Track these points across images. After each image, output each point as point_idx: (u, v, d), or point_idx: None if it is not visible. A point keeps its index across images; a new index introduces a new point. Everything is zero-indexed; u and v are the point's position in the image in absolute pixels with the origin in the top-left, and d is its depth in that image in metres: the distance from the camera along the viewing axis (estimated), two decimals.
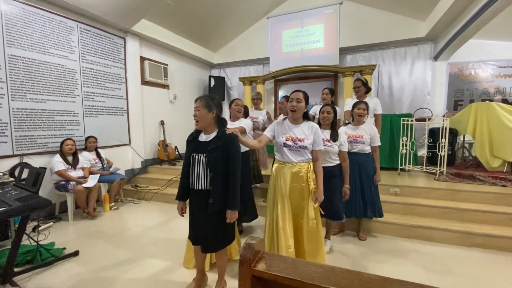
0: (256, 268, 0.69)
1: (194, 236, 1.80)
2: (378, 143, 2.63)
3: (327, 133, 2.36)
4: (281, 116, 3.31)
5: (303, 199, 1.99)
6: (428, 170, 3.93)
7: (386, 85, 5.66)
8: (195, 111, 1.72)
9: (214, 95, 1.79)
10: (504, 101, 5.04)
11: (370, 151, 2.67)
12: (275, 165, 2.11)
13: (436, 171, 3.73)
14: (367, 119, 3.13)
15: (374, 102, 3.26)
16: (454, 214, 2.91)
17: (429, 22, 4.78)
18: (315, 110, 3.90)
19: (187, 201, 1.86)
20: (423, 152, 4.50)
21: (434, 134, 4.20)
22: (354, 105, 2.67)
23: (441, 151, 3.71)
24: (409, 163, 4.06)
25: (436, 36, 5.06)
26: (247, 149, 2.77)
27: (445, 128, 3.69)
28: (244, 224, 3.06)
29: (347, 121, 2.87)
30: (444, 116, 4.24)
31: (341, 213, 2.41)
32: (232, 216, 1.69)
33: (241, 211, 1.85)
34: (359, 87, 3.24)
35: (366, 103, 2.65)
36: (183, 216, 1.87)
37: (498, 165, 3.84)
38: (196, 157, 1.70)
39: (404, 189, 3.35)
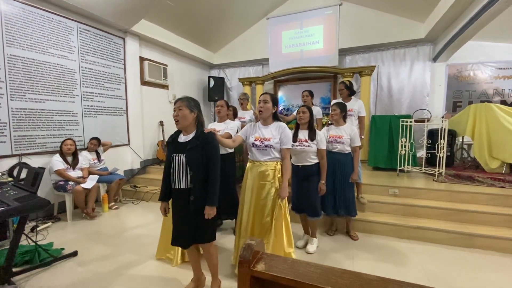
0: (256, 269, 0.69)
1: (176, 236, 1.82)
2: (358, 143, 2.70)
3: (305, 133, 2.46)
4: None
5: (266, 196, 2.07)
6: (427, 171, 3.94)
7: (385, 86, 5.67)
8: (175, 111, 1.75)
9: (192, 97, 1.83)
10: (503, 102, 5.05)
11: (350, 151, 2.73)
12: (248, 164, 2.21)
13: (435, 172, 3.74)
14: (350, 120, 3.19)
15: (358, 105, 3.33)
16: (453, 215, 2.92)
17: (428, 23, 4.80)
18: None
19: (170, 202, 1.90)
20: (422, 153, 4.51)
21: (433, 135, 4.21)
22: (330, 107, 2.82)
23: (440, 152, 3.72)
24: (408, 164, 4.07)
25: (435, 37, 5.08)
26: (232, 150, 2.84)
27: (444, 129, 3.70)
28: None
29: (329, 122, 2.93)
30: (443, 117, 4.25)
31: (318, 210, 2.51)
32: (210, 212, 1.72)
33: (222, 208, 1.87)
34: (342, 90, 3.34)
35: (339, 104, 2.76)
36: (166, 216, 1.92)
37: (497, 166, 3.85)
38: (176, 157, 1.74)
39: (403, 190, 3.35)
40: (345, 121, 2.79)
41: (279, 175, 2.09)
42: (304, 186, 2.49)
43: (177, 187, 1.76)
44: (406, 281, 0.61)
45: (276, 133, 2.08)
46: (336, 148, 2.70)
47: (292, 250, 2.19)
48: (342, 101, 3.24)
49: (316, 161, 2.46)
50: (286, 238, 2.15)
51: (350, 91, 3.33)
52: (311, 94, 3.65)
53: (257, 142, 2.09)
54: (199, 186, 1.71)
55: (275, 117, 2.17)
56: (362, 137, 3.27)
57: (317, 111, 3.67)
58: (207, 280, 2.04)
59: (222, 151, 2.48)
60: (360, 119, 3.34)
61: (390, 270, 2.27)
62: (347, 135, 2.67)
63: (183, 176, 1.73)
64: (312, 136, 2.42)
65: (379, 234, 2.94)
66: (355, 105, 3.29)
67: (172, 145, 1.82)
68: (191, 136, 1.78)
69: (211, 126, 2.80)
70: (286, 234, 2.15)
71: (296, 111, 3.84)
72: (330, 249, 2.64)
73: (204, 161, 1.73)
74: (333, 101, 3.51)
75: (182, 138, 1.81)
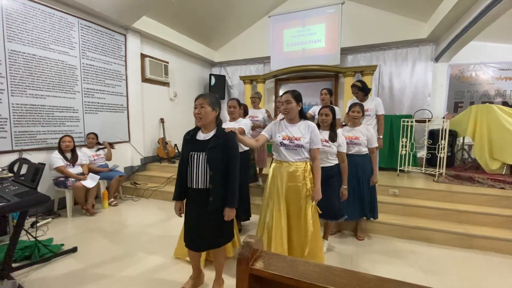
0: (254, 267, 0.69)
1: (188, 238, 1.77)
2: (375, 144, 2.64)
3: (325, 134, 2.38)
4: (280, 116, 3.32)
5: (300, 199, 1.98)
6: (427, 172, 3.94)
7: (387, 86, 5.66)
8: (197, 108, 1.68)
9: (214, 94, 1.77)
10: (505, 103, 5.03)
11: (367, 152, 2.68)
12: (273, 164, 2.12)
13: (435, 172, 3.74)
14: (367, 121, 3.13)
15: (376, 103, 3.21)
16: (453, 215, 2.92)
17: (431, 23, 4.78)
18: (314, 110, 3.89)
19: (184, 201, 1.85)
20: (422, 153, 4.50)
21: (434, 135, 4.20)
22: (350, 108, 2.72)
23: (441, 153, 3.71)
24: (409, 164, 4.06)
25: (438, 37, 5.05)
26: (247, 148, 2.78)
27: (445, 130, 3.69)
28: (243, 222, 3.06)
29: (343, 123, 2.87)
30: (444, 117, 4.24)
31: (339, 213, 2.42)
32: (230, 213, 1.68)
33: (239, 209, 1.85)
34: (357, 93, 3.23)
35: (361, 105, 2.67)
36: (181, 216, 1.85)
37: (497, 167, 3.85)
38: (195, 155, 1.68)
39: (403, 190, 3.35)
40: (361, 122, 2.72)
41: (310, 176, 2.00)
42: (322, 188, 2.27)
43: (194, 187, 1.69)
44: (405, 281, 0.61)
45: (306, 132, 1.98)
46: (353, 149, 2.63)
47: (323, 255, 2.15)
48: (359, 102, 3.12)
49: (336, 162, 2.37)
50: (320, 243, 2.10)
51: (365, 92, 3.20)
52: (330, 92, 3.51)
53: (286, 141, 1.99)
54: (218, 187, 1.66)
55: (302, 115, 2.06)
56: (380, 136, 3.16)
57: (337, 111, 3.59)
58: (206, 278, 2.04)
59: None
60: (379, 117, 3.21)
61: (389, 269, 2.28)
62: (364, 136, 2.61)
63: (202, 176, 1.67)
64: (333, 137, 2.33)
65: (379, 234, 2.94)
66: (371, 104, 3.18)
67: (190, 143, 1.74)
68: (211, 134, 1.72)
69: (224, 125, 2.76)
70: (319, 239, 2.10)
71: (313, 109, 3.80)
72: (329, 248, 2.64)
73: (224, 160, 1.67)
74: (350, 101, 3.42)
75: (201, 136, 1.74)
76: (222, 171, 1.68)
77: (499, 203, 2.98)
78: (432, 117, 4.59)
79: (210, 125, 1.74)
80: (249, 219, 2.95)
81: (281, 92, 6.50)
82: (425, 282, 2.06)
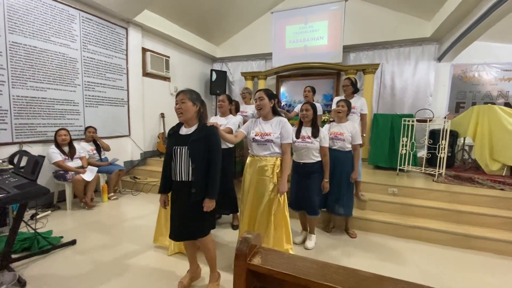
0: (252, 262, 0.69)
1: (173, 229, 1.83)
2: (359, 141, 2.68)
3: (308, 130, 2.45)
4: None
5: (265, 191, 2.08)
6: (427, 172, 3.93)
7: (389, 85, 5.63)
8: (178, 103, 1.74)
9: (194, 90, 1.82)
10: (507, 104, 5.00)
11: (351, 149, 2.71)
12: (248, 158, 2.23)
13: (435, 172, 3.73)
14: (352, 117, 3.16)
15: (361, 102, 3.30)
16: (452, 216, 2.92)
17: (435, 22, 4.74)
18: (298, 108, 3.92)
19: (169, 195, 1.91)
20: (422, 153, 4.49)
21: (434, 135, 4.19)
22: (336, 103, 2.80)
23: (441, 153, 3.70)
24: (408, 164, 4.06)
25: (441, 36, 5.02)
26: (231, 145, 2.84)
27: (446, 130, 3.68)
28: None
29: (331, 119, 2.90)
30: (445, 117, 4.22)
31: (317, 209, 2.50)
32: (209, 204, 1.72)
33: (219, 203, 1.89)
34: (348, 86, 3.29)
35: (347, 101, 2.74)
36: (165, 208, 1.92)
37: (497, 168, 3.84)
38: (178, 149, 1.73)
39: (402, 189, 3.35)
40: (347, 119, 2.77)
41: (277, 171, 2.09)
42: (304, 183, 2.48)
43: (178, 180, 1.75)
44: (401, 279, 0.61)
45: (277, 128, 2.09)
46: (337, 145, 2.69)
47: (290, 247, 2.20)
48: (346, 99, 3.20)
49: (318, 159, 2.44)
50: (285, 234, 2.17)
51: (355, 88, 3.30)
52: (313, 90, 3.61)
53: (258, 137, 2.10)
54: (200, 179, 1.71)
55: (275, 112, 2.17)
56: (364, 135, 3.25)
57: (318, 107, 3.65)
58: (203, 272, 2.06)
59: (222, 146, 2.50)
60: (362, 116, 3.32)
61: (386, 268, 2.29)
62: (348, 132, 2.66)
63: (184, 169, 1.72)
64: (315, 133, 2.40)
65: (377, 232, 2.95)
66: (357, 102, 3.27)
67: (173, 137, 1.81)
68: (193, 128, 1.77)
69: (213, 120, 2.79)
70: (285, 230, 2.17)
71: (298, 107, 3.85)
72: (327, 246, 2.65)
73: (206, 154, 1.73)
74: (336, 98, 3.49)
75: (184, 131, 1.80)
76: (204, 164, 1.73)
77: (498, 204, 2.98)
78: (433, 117, 4.58)
79: (192, 120, 1.79)
80: (237, 211, 2.97)
81: (282, 89, 6.49)
82: (421, 281, 2.06)
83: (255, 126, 2.17)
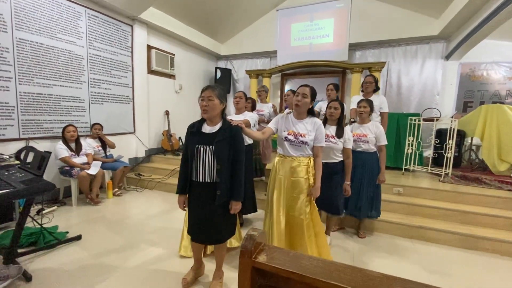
0: (257, 260, 0.68)
1: (194, 231, 1.77)
2: (384, 142, 2.58)
3: (332, 129, 2.35)
4: (287, 110, 3.29)
5: (300, 193, 1.98)
6: (433, 171, 3.89)
7: (395, 84, 5.56)
8: (204, 100, 1.64)
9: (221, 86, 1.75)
10: None
11: (376, 150, 2.63)
12: (276, 158, 2.12)
13: (441, 172, 3.69)
14: (373, 117, 3.10)
15: (380, 100, 3.23)
16: (458, 216, 2.88)
17: (443, 19, 4.66)
18: (320, 106, 3.86)
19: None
20: (429, 152, 4.44)
21: (441, 135, 4.13)
22: (358, 104, 2.66)
23: (448, 153, 3.65)
24: (414, 163, 4.01)
25: (449, 34, 4.94)
26: (251, 142, 2.77)
27: (453, 130, 3.63)
28: (245, 216, 3.07)
29: (352, 120, 2.84)
30: (452, 117, 4.16)
31: (340, 208, 2.42)
32: (236, 207, 1.68)
33: (243, 203, 1.84)
34: (371, 83, 3.19)
35: (369, 101, 2.62)
36: (184, 210, 1.84)
37: (505, 169, 3.78)
38: (202, 149, 1.65)
39: (407, 189, 3.32)
40: (369, 119, 2.67)
41: (313, 172, 1.99)
42: (326, 183, 2.28)
43: (200, 180, 1.67)
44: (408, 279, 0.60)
45: (312, 129, 1.97)
46: (361, 147, 2.60)
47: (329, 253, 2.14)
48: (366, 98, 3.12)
49: (341, 159, 2.36)
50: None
51: (376, 87, 3.22)
52: (336, 88, 3.51)
53: (291, 137, 1.98)
54: (225, 180, 1.65)
55: (310, 112, 2.05)
56: None
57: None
58: (206, 269, 2.06)
59: None
60: (382, 115, 3.23)
61: (391, 268, 2.26)
62: (372, 133, 2.56)
63: (208, 169, 1.65)
64: (339, 133, 2.30)
65: (381, 232, 2.92)
66: (377, 100, 3.17)
67: (195, 136, 1.70)
68: (217, 127, 1.70)
69: (229, 118, 2.76)
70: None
71: (318, 105, 3.80)
72: (332, 244, 2.63)
73: (230, 154, 1.66)
74: (355, 97, 3.40)
75: (207, 129, 1.71)
76: (229, 165, 1.66)
77: (506, 205, 2.93)
78: (440, 116, 4.51)
79: (216, 118, 1.72)
80: (256, 211, 2.94)
81: (287, 87, 6.46)
82: (427, 281, 2.03)
83: (287, 124, 2.03)
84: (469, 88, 5.27)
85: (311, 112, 2.05)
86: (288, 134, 1.99)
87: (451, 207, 2.95)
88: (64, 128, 3.48)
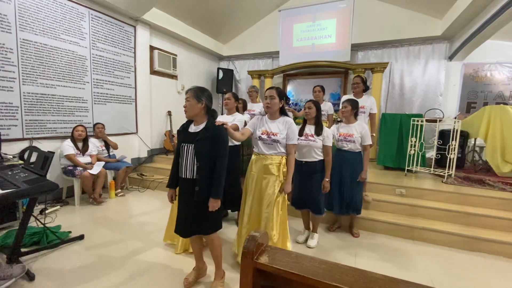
0: (259, 261, 0.68)
1: (177, 223, 1.85)
2: (368, 142, 2.63)
3: (311, 128, 2.44)
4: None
5: (271, 189, 2.07)
6: (436, 172, 3.86)
7: (398, 84, 5.54)
8: (186, 101, 1.77)
9: (205, 87, 1.84)
10: None
11: (360, 150, 2.67)
12: (253, 156, 2.23)
13: (444, 173, 3.66)
14: (361, 117, 3.12)
15: (370, 101, 3.26)
16: (461, 217, 2.86)
17: (446, 20, 4.63)
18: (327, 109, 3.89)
19: (177, 190, 1.93)
20: (431, 153, 4.41)
21: (444, 136, 4.10)
22: (341, 103, 2.75)
23: (451, 154, 3.63)
24: (417, 165, 3.99)
25: (453, 35, 4.91)
26: (238, 143, 2.85)
27: (456, 131, 3.60)
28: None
29: (339, 119, 2.86)
30: (455, 118, 4.13)
31: (322, 208, 2.48)
32: (214, 204, 1.72)
33: (226, 200, 1.91)
34: (358, 84, 3.25)
35: (350, 101, 2.67)
36: (172, 203, 1.98)
37: (509, 170, 3.74)
38: (185, 147, 1.75)
39: (410, 190, 3.30)
40: (356, 119, 2.70)
41: (284, 169, 2.10)
42: (306, 182, 2.46)
43: (183, 177, 1.77)
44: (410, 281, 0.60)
45: (283, 128, 2.09)
46: (347, 146, 2.64)
47: (289, 244, 2.27)
48: (354, 98, 3.14)
49: (321, 158, 2.43)
50: (287, 231, 2.23)
51: (365, 87, 3.26)
52: (323, 89, 3.58)
53: (264, 136, 2.10)
54: (205, 178, 1.71)
55: (282, 111, 2.17)
56: (373, 134, 3.19)
57: (328, 107, 3.62)
58: (209, 270, 2.06)
59: (229, 143, 2.50)
60: (371, 116, 3.28)
61: (393, 269, 2.25)
62: (358, 133, 2.61)
63: (190, 166, 1.73)
64: (318, 131, 2.40)
65: (384, 233, 2.91)
66: (367, 101, 3.22)
67: (182, 134, 1.83)
68: (201, 126, 1.77)
69: (219, 118, 2.80)
70: (285, 227, 2.22)
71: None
72: (332, 246, 2.63)
73: (212, 153, 1.72)
74: (344, 97, 3.45)
75: (192, 128, 1.82)
76: (209, 163, 1.72)
77: (510, 206, 2.91)
78: (443, 117, 4.49)
79: (200, 117, 1.79)
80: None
81: (289, 88, 6.45)
82: (429, 283, 2.03)
83: (261, 124, 2.17)
84: (472, 89, 5.23)
85: (283, 112, 2.17)
86: (261, 134, 2.12)
87: (454, 208, 2.93)
88: (74, 128, 3.59)
